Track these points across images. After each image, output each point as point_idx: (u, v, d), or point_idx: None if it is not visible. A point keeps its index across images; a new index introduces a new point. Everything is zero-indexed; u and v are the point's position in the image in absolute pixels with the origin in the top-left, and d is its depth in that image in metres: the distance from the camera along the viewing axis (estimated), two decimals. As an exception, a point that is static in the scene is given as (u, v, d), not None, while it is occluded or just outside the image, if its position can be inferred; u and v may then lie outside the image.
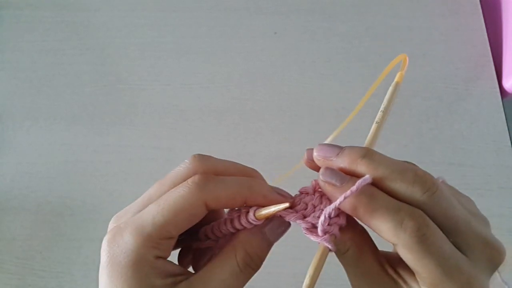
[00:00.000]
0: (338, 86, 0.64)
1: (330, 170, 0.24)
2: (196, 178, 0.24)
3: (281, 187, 0.27)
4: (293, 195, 0.27)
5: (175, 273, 0.24)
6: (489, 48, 0.66)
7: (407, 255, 0.22)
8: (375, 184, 0.23)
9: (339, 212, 0.24)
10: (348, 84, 0.65)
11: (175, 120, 0.62)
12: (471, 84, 0.64)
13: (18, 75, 0.67)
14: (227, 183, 0.24)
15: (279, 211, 0.24)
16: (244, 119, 0.62)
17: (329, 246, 0.24)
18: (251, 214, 0.25)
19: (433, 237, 0.22)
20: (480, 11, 0.69)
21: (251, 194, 0.24)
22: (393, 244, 0.23)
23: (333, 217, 0.24)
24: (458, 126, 0.61)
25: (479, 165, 0.58)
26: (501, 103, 0.63)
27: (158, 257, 0.23)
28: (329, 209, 0.23)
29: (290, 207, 0.25)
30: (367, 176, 0.22)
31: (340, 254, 0.26)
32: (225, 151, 0.59)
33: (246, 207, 0.25)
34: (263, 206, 0.25)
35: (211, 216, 0.27)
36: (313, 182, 0.26)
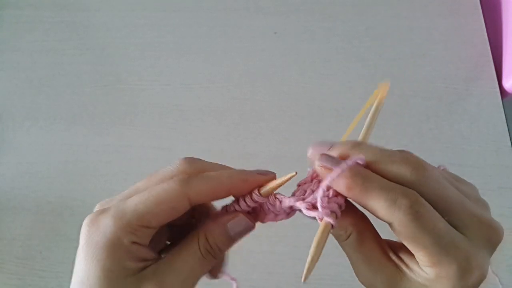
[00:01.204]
0: (338, 86, 0.64)
1: (326, 155, 0.25)
2: (181, 175, 0.25)
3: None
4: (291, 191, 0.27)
5: (148, 258, 0.25)
6: (489, 48, 0.66)
7: (403, 233, 0.23)
8: (367, 167, 0.24)
9: (336, 193, 0.25)
10: (348, 84, 0.65)
11: (175, 120, 0.62)
12: (471, 84, 0.64)
13: (18, 75, 0.67)
14: (209, 177, 0.25)
15: (285, 182, 0.25)
16: (244, 119, 0.62)
17: (331, 221, 0.24)
18: (256, 195, 0.26)
19: (427, 214, 0.23)
20: (480, 11, 0.69)
21: (231, 182, 0.25)
22: (389, 223, 0.24)
23: (331, 197, 0.25)
24: (458, 126, 0.61)
25: (479, 165, 0.58)
26: (501, 103, 0.63)
27: (134, 243, 0.24)
28: (325, 183, 0.24)
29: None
30: (361, 155, 0.24)
31: (342, 240, 0.26)
32: (225, 151, 0.59)
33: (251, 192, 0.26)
34: (246, 192, 0.26)
35: (201, 211, 0.28)
36: (310, 171, 0.27)
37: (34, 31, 0.70)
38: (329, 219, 0.24)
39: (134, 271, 0.24)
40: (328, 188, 0.25)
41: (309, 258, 0.24)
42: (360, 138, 0.28)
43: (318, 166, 0.25)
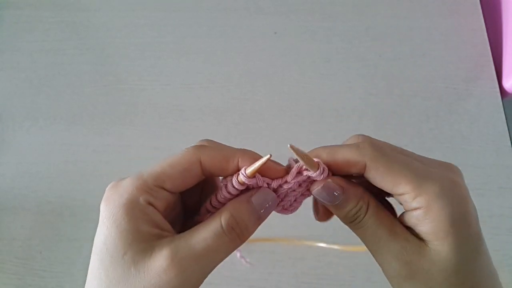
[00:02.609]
0: (338, 86, 0.64)
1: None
2: (196, 144, 0.27)
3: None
4: None
5: (163, 227, 0.25)
6: (489, 48, 0.66)
7: (378, 167, 0.24)
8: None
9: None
10: (348, 84, 0.65)
11: (175, 120, 0.62)
12: (471, 84, 0.64)
13: (18, 75, 0.67)
14: (222, 147, 0.27)
15: (264, 163, 0.25)
16: (244, 119, 0.62)
17: (316, 160, 0.26)
18: (241, 171, 0.25)
19: (388, 146, 0.26)
20: (480, 11, 0.69)
21: (242, 156, 0.26)
22: (363, 169, 0.25)
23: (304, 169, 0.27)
24: (458, 126, 0.61)
25: (479, 165, 0.58)
26: (501, 103, 0.63)
27: (150, 204, 0.24)
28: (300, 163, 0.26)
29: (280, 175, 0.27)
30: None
31: (363, 214, 0.26)
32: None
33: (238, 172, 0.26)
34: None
35: (210, 193, 0.28)
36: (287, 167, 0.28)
37: (34, 31, 0.70)
38: (317, 160, 0.26)
39: (149, 237, 0.24)
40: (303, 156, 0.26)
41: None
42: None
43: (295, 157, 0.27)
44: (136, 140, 0.61)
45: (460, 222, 0.24)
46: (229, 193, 0.26)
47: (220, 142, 0.28)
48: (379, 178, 0.25)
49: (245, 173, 0.25)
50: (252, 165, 0.25)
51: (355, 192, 0.26)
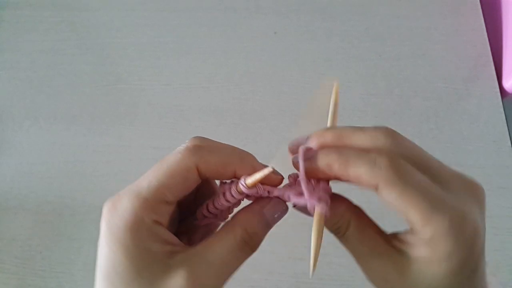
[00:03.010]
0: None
1: (293, 147, 0.26)
2: (189, 145, 0.25)
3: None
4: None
5: (174, 242, 0.24)
6: (489, 48, 0.66)
7: (391, 192, 0.22)
8: (341, 142, 0.25)
9: (319, 180, 0.25)
10: (348, 84, 0.65)
11: (175, 120, 0.62)
12: (471, 84, 0.64)
13: (18, 75, 0.67)
14: (219, 150, 0.25)
15: (264, 176, 0.24)
16: (244, 119, 0.62)
17: (321, 207, 0.24)
18: (241, 181, 0.25)
19: (409, 167, 0.23)
20: (480, 11, 0.69)
21: (241, 163, 0.25)
22: (375, 188, 0.23)
23: (316, 184, 0.25)
24: (458, 126, 0.61)
25: (479, 165, 0.58)
26: (501, 103, 0.63)
27: (156, 222, 0.23)
28: (301, 169, 0.24)
29: (277, 183, 0.26)
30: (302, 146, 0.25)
31: (343, 232, 0.26)
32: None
33: (237, 180, 0.26)
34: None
35: (206, 194, 0.28)
36: (290, 178, 0.27)
37: (34, 31, 0.70)
38: (319, 205, 0.24)
39: (161, 256, 0.23)
40: (309, 173, 0.25)
41: (312, 251, 0.24)
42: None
43: (293, 159, 0.25)
44: (136, 140, 0.61)
45: (460, 265, 0.23)
46: (227, 201, 0.26)
47: (220, 142, 0.27)
48: (389, 200, 0.23)
49: (244, 183, 0.25)
50: (252, 176, 0.25)
51: (334, 210, 0.25)
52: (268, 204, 0.26)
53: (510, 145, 0.59)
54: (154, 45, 0.68)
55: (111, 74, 0.66)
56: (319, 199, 0.24)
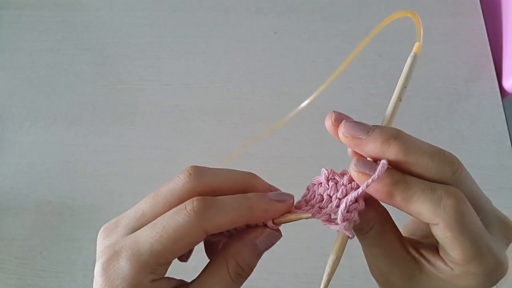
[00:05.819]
0: (338, 86, 0.64)
1: (363, 161, 0.24)
2: (194, 204, 0.23)
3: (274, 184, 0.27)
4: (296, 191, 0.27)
5: (169, 287, 0.24)
6: (489, 48, 0.66)
7: (446, 234, 0.22)
8: (407, 165, 0.23)
9: (357, 197, 0.24)
10: (348, 84, 0.65)
11: (175, 120, 0.62)
12: (471, 84, 0.64)
13: (18, 75, 0.67)
14: (226, 208, 0.24)
15: (300, 219, 0.24)
16: (244, 119, 0.62)
17: (349, 235, 0.24)
18: (270, 223, 0.25)
19: (470, 213, 0.23)
20: (480, 11, 0.69)
21: (252, 215, 0.24)
22: (432, 225, 0.23)
23: (352, 204, 0.24)
24: (458, 126, 0.61)
25: (479, 165, 0.58)
26: (501, 103, 0.63)
27: (154, 280, 0.23)
28: (360, 191, 0.23)
29: (297, 207, 0.26)
30: (383, 161, 0.22)
31: (362, 233, 0.26)
32: (225, 151, 0.59)
33: None
34: (267, 221, 0.25)
35: None
36: (325, 172, 0.26)
37: (34, 31, 0.70)
38: (348, 233, 0.24)
39: None
40: (358, 198, 0.24)
41: (328, 270, 0.24)
42: (398, 97, 0.29)
43: (354, 171, 0.24)
44: (136, 140, 0.61)
45: None
46: (248, 225, 0.26)
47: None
48: (439, 236, 0.23)
49: (273, 224, 0.25)
50: (284, 217, 0.25)
51: (364, 217, 0.25)
52: (261, 235, 0.25)
53: (510, 145, 0.59)
54: (154, 45, 0.68)
55: (111, 74, 0.66)
56: (349, 224, 0.24)
